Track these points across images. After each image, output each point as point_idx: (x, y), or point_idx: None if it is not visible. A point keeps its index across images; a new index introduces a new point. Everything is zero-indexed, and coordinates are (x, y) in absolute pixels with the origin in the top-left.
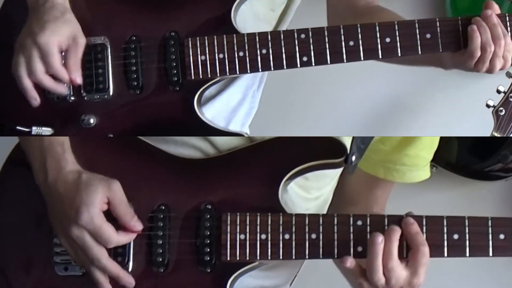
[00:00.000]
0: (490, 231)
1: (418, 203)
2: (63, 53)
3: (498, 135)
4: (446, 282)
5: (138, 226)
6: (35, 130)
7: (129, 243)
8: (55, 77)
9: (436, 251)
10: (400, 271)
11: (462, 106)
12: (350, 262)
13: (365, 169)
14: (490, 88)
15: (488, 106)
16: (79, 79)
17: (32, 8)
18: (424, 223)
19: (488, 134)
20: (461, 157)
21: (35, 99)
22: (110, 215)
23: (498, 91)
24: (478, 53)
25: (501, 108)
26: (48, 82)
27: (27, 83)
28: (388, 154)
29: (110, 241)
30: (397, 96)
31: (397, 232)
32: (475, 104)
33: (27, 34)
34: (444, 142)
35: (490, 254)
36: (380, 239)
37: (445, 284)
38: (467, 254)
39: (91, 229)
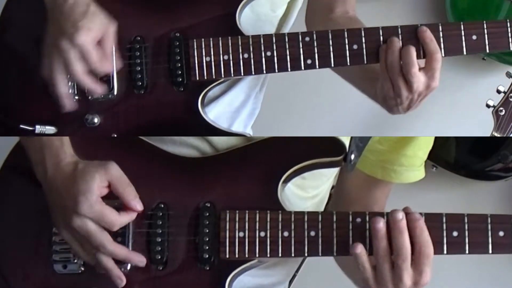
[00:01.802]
0: (489, 228)
1: (418, 203)
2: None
3: (498, 135)
4: (446, 281)
5: (139, 206)
6: (38, 128)
7: (128, 241)
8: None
9: (435, 248)
10: (410, 267)
11: (462, 106)
12: (360, 248)
13: (363, 169)
14: (490, 88)
15: (488, 106)
16: (118, 65)
17: (52, 8)
18: (423, 219)
19: (488, 134)
20: (461, 157)
21: (69, 105)
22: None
23: (498, 91)
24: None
25: (501, 108)
26: (89, 82)
27: (65, 90)
28: (386, 154)
29: (114, 223)
30: None
31: (403, 224)
32: (475, 104)
33: (60, 35)
34: (444, 142)
35: (490, 251)
36: (381, 223)
37: (445, 284)
38: (467, 251)
39: (93, 216)
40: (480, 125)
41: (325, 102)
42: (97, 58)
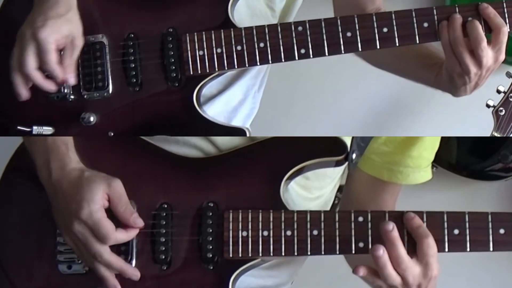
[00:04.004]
0: (490, 225)
1: (418, 203)
2: (60, 52)
3: (498, 135)
4: (446, 282)
5: (138, 222)
6: (35, 129)
7: (132, 242)
8: (48, 75)
9: (437, 246)
10: (413, 268)
11: (462, 106)
12: (362, 271)
13: (369, 171)
14: (490, 88)
15: (488, 106)
16: (72, 80)
17: (37, 1)
18: (424, 218)
19: (488, 134)
20: (461, 157)
21: (21, 94)
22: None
23: (498, 91)
24: (449, 50)
25: (501, 108)
26: (37, 77)
27: (16, 77)
28: (391, 155)
29: (108, 237)
30: (397, 96)
31: (394, 231)
32: (475, 104)
33: (27, 26)
34: (444, 142)
35: (491, 248)
36: (381, 251)
37: (445, 284)
38: (468, 249)
39: (90, 224)
40: (480, 125)
41: (325, 102)
42: (53, 61)
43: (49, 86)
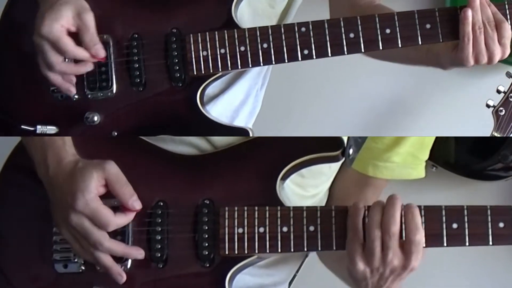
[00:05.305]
0: (489, 219)
1: (418, 203)
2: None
3: (498, 135)
4: (445, 281)
5: (136, 205)
6: (39, 129)
7: (128, 240)
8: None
9: (435, 241)
10: (397, 247)
11: (462, 106)
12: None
13: (355, 167)
14: (490, 88)
15: (488, 106)
16: (101, 52)
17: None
18: (422, 213)
19: (488, 134)
20: (461, 157)
21: (70, 91)
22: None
23: (498, 91)
24: (470, 36)
25: (501, 108)
26: (69, 68)
27: (55, 79)
28: (380, 152)
29: (109, 223)
30: (397, 96)
31: (398, 200)
32: (475, 104)
33: (35, 30)
34: (443, 142)
35: (490, 242)
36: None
37: (445, 284)
38: (467, 243)
39: (88, 213)
40: (480, 125)
41: (326, 102)
42: (70, 46)
43: (84, 68)
